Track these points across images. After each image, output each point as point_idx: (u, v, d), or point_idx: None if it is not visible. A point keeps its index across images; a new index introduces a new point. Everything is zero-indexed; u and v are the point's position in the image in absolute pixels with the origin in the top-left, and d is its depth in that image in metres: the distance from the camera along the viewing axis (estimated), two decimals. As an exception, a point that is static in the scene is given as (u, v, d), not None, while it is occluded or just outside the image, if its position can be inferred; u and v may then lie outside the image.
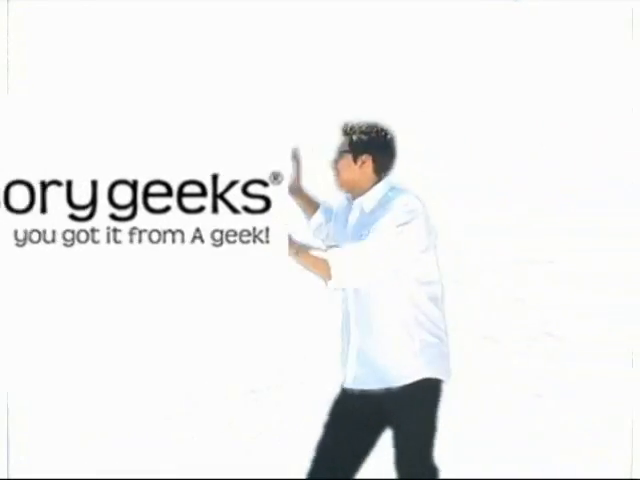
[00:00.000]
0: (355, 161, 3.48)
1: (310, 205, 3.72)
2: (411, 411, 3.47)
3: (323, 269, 3.43)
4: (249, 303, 4.03)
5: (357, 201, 3.47)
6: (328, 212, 3.67)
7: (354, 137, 3.50)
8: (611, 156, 3.93)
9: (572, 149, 3.92)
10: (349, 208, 3.52)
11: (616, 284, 3.99)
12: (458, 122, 3.94)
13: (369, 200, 3.47)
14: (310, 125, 3.67)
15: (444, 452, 4.16)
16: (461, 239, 3.81)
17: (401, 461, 3.45)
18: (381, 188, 3.51)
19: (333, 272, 3.41)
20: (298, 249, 3.33)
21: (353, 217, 3.48)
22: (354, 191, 3.49)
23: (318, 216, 3.69)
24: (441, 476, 4.01)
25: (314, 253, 3.40)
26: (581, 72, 3.90)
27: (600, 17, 3.91)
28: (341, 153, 3.45)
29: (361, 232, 3.39)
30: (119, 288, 4.16)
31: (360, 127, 3.51)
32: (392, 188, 3.47)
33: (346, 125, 3.51)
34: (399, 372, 3.41)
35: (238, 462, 4.15)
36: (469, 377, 4.09)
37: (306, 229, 3.57)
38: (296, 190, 3.67)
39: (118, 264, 4.13)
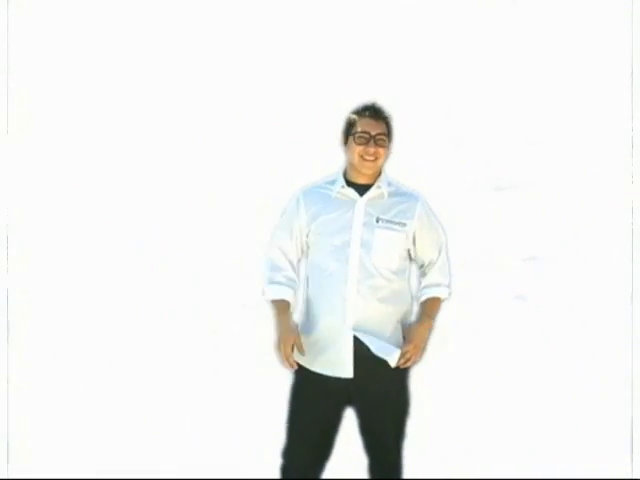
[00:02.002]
0: (389, 147, 3.45)
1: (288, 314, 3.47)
2: (402, 392, 3.46)
3: (439, 307, 3.48)
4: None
5: (376, 186, 3.39)
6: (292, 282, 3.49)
7: (388, 122, 3.45)
8: (611, 156, 3.92)
9: (572, 148, 3.92)
10: (344, 198, 3.41)
11: (617, 280, 3.99)
12: (456, 120, 3.94)
13: (385, 185, 3.44)
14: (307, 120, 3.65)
15: (439, 451, 4.16)
16: (457, 235, 3.81)
17: (390, 443, 3.44)
18: (385, 174, 3.52)
19: (448, 294, 3.48)
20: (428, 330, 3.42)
21: (367, 202, 3.41)
22: (371, 177, 3.44)
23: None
24: (440, 475, 4.01)
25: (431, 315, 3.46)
26: (580, 72, 3.90)
27: (599, 17, 3.91)
28: (382, 138, 3.34)
29: (378, 216, 3.35)
30: (120, 293, 4.18)
31: (387, 113, 3.43)
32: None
33: (381, 109, 3.40)
34: (392, 359, 3.41)
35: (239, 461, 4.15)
36: (470, 374, 4.09)
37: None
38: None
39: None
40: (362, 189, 3.37)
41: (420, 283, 3.49)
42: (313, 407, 3.39)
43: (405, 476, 3.68)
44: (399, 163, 4.00)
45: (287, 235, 3.43)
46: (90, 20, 4.08)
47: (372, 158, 3.29)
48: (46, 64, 4.11)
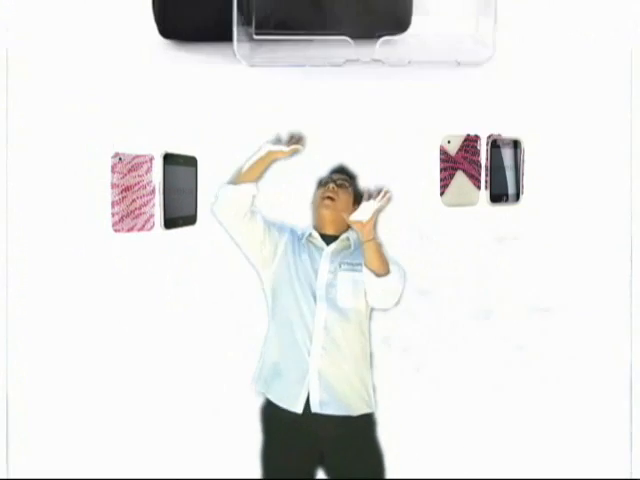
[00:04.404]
0: None
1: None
2: (370, 444, 3.46)
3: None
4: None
5: (345, 238, 3.54)
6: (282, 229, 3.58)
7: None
8: (611, 155, 3.94)
9: (570, 147, 3.94)
10: (313, 246, 3.55)
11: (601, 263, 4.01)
12: (450, 120, 3.97)
13: (352, 236, 3.55)
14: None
15: (439, 452, 4.18)
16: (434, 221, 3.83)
17: None
18: None
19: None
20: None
21: (333, 251, 3.52)
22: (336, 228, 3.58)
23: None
24: (441, 475, 4.03)
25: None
26: (580, 74, 3.92)
27: (598, 20, 3.94)
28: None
29: (341, 261, 3.49)
30: (122, 289, 4.17)
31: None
32: None
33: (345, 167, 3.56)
34: (356, 401, 3.42)
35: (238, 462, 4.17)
36: (469, 373, 4.11)
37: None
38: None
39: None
40: (329, 239, 3.50)
41: None
42: (283, 461, 3.45)
43: (405, 477, 3.69)
44: (398, 167, 4.02)
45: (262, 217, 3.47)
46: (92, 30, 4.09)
47: None
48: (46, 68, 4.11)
